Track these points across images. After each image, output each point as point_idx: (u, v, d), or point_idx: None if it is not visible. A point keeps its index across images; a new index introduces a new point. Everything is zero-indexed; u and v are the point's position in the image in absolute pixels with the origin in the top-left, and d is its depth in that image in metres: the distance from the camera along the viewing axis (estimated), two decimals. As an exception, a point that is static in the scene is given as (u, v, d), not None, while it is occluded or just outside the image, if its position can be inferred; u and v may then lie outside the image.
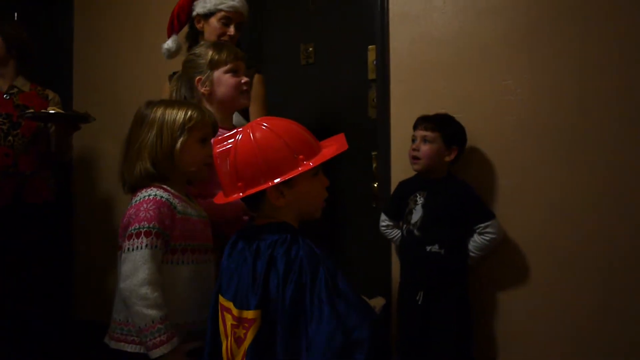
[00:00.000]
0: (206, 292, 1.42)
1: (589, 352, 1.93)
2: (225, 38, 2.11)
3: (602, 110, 1.92)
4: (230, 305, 1.20)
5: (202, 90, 1.75)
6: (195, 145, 1.47)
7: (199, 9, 2.13)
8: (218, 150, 1.23)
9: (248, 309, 1.15)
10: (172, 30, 2.21)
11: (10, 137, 2.32)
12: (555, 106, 1.99)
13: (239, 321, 1.17)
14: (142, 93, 2.70)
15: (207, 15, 2.12)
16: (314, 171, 1.21)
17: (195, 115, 1.46)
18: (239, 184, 1.20)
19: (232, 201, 1.24)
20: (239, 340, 1.16)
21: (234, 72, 1.75)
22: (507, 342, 2.06)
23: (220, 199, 1.28)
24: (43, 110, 2.32)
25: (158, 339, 1.29)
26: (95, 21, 3.15)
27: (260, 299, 1.14)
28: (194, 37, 2.20)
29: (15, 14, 3.06)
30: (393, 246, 2.27)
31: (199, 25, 2.16)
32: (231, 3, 2.10)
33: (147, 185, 1.44)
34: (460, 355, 1.91)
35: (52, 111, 2.24)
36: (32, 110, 2.32)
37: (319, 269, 1.13)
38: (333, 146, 1.24)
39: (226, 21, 2.10)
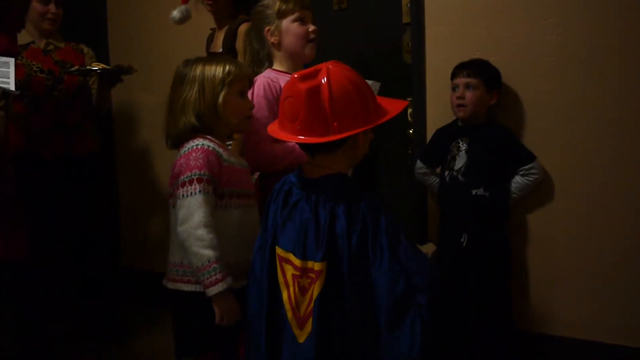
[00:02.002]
0: (251, 233, 1.50)
1: (625, 292, 1.95)
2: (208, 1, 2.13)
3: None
4: (290, 255, 1.22)
5: (272, 40, 1.79)
6: (235, 98, 1.54)
7: None
8: (304, 87, 1.15)
9: (314, 260, 1.17)
10: None
11: (55, 92, 2.39)
12: (598, 45, 1.93)
13: (303, 271, 1.19)
14: (176, 46, 2.74)
15: None
16: None
17: (233, 69, 1.53)
18: (335, 123, 1.14)
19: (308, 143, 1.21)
20: (303, 290, 1.20)
21: (301, 20, 1.78)
22: (542, 281, 2.09)
23: (285, 135, 1.23)
24: (88, 67, 2.38)
25: (214, 277, 1.38)
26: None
27: (326, 251, 1.16)
28: None
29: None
30: (429, 194, 2.29)
31: None
32: None
33: (191, 137, 1.51)
34: (499, 292, 1.99)
35: (96, 67, 2.30)
36: (77, 67, 2.39)
37: (380, 219, 1.15)
38: (389, 100, 1.27)
39: None
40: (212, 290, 1.39)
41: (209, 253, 1.38)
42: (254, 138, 1.70)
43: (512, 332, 2.05)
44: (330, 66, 1.18)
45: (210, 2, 2.17)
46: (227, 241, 1.46)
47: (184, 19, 2.33)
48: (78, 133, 2.47)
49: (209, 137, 1.52)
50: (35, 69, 2.37)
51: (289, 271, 1.22)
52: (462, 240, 1.99)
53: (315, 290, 1.17)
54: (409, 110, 2.37)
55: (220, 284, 1.38)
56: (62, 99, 2.40)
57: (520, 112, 2.07)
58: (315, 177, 1.23)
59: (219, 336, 1.48)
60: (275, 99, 1.71)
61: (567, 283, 2.04)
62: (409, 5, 2.32)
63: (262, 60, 1.87)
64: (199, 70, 1.52)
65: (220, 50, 2.18)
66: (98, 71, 2.33)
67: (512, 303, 2.06)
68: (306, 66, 1.86)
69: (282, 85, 1.73)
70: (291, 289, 1.22)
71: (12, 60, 1.82)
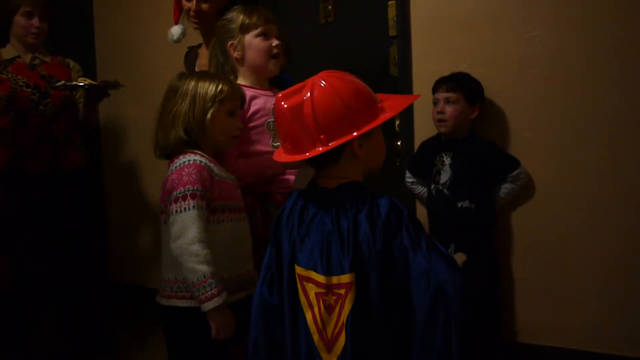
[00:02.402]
0: (243, 246, 1.54)
1: (612, 299, 1.96)
2: (192, 14, 2.10)
3: (633, 61, 1.89)
4: (311, 273, 1.16)
5: (235, 55, 1.78)
6: (224, 116, 1.55)
7: None
8: (287, 105, 1.13)
9: (341, 273, 1.11)
10: (175, 15, 2.24)
11: (41, 107, 2.37)
12: (582, 56, 1.96)
13: (328, 288, 1.13)
14: (163, 61, 2.74)
15: None
16: (382, 126, 1.18)
17: (226, 88, 1.55)
18: (321, 136, 1.11)
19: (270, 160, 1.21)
20: (329, 308, 1.13)
21: (264, 35, 1.75)
22: (528, 288, 2.10)
23: (281, 156, 1.20)
24: (74, 82, 2.37)
25: (209, 292, 1.38)
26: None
27: (353, 260, 1.10)
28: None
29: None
30: (417, 201, 2.30)
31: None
32: None
33: (181, 151, 1.52)
34: (488, 302, 1.99)
35: (82, 83, 2.29)
36: (63, 82, 2.37)
37: (402, 219, 1.10)
38: (398, 97, 1.22)
39: None
40: (208, 306, 1.39)
41: (204, 268, 1.38)
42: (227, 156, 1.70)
43: (500, 342, 2.05)
44: (317, 79, 1.14)
45: (196, 20, 2.17)
46: (221, 255, 1.47)
47: (181, 38, 2.31)
48: (64, 147, 2.45)
49: (199, 152, 1.52)
50: (21, 83, 2.35)
51: (312, 290, 1.16)
52: (449, 250, 2.00)
53: (347, 305, 1.11)
54: (397, 122, 2.39)
55: (216, 298, 1.38)
56: (48, 113, 2.39)
57: (506, 124, 2.09)
58: (331, 188, 1.18)
59: (213, 351, 1.47)
60: (242, 112, 1.70)
61: (554, 291, 2.05)
62: (395, 18, 2.34)
63: (227, 73, 1.83)
64: (192, 84, 1.54)
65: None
66: (85, 87, 2.32)
67: (501, 312, 2.07)
68: (290, 81, 1.88)
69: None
70: (316, 309, 1.15)
71: None
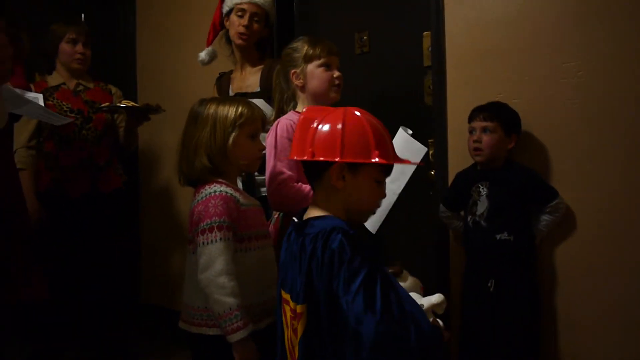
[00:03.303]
0: (270, 272, 1.55)
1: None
2: (240, 30, 2.22)
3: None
4: (288, 297, 1.25)
5: (296, 82, 1.85)
6: (246, 140, 1.57)
7: (224, 10, 2.30)
8: (303, 117, 1.27)
9: (297, 302, 1.19)
10: (209, 39, 2.40)
11: (84, 131, 2.46)
12: (620, 87, 1.92)
13: (294, 313, 1.21)
14: (201, 88, 2.80)
15: (228, 13, 2.28)
16: (379, 177, 1.26)
17: (245, 111, 1.56)
18: (310, 149, 1.22)
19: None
20: (296, 332, 1.21)
21: (327, 66, 1.84)
22: (569, 323, 2.03)
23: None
24: (117, 104, 2.46)
25: (235, 324, 1.40)
26: (157, 18, 3.27)
27: (305, 292, 1.17)
28: (227, 37, 2.35)
29: (82, 15, 3.22)
30: (451, 234, 2.27)
31: (226, 24, 2.31)
32: None
33: (207, 180, 1.54)
34: (527, 337, 1.94)
35: (124, 104, 2.38)
36: (107, 104, 2.47)
37: (355, 258, 1.12)
38: (407, 160, 1.29)
39: (241, 13, 2.23)
40: (233, 337, 1.41)
41: (230, 301, 1.41)
42: (278, 179, 1.72)
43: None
44: (343, 108, 1.26)
45: (245, 37, 2.24)
46: (248, 283, 1.48)
47: (211, 60, 2.42)
48: (105, 170, 2.53)
49: (224, 181, 1.54)
50: (65, 109, 2.45)
51: (288, 312, 1.25)
52: (489, 285, 1.96)
53: (299, 331, 1.19)
54: (430, 152, 2.38)
55: (241, 331, 1.40)
56: (91, 137, 2.47)
57: (543, 155, 2.06)
58: (309, 218, 1.26)
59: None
60: None
61: (594, 326, 1.97)
62: (429, 48, 2.36)
63: (288, 99, 1.92)
64: (212, 110, 1.56)
65: (258, 89, 2.24)
66: (127, 108, 2.41)
67: (539, 348, 2.00)
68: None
69: None
70: (289, 330, 1.24)
71: (40, 96, 1.92)
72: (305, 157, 1.23)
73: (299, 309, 1.19)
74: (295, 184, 1.72)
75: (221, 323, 1.41)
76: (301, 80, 1.84)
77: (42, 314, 2.36)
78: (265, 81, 2.23)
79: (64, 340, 2.53)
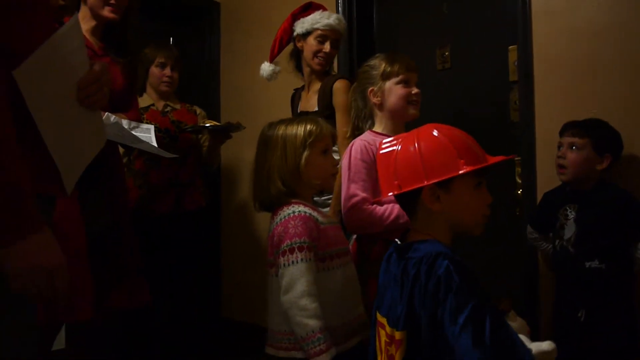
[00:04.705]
0: (353, 289, 1.52)
1: None
2: (321, 55, 2.25)
3: None
4: (384, 321, 1.20)
5: (374, 100, 1.83)
6: (318, 157, 1.54)
7: (298, 29, 2.30)
8: (381, 152, 1.26)
9: (396, 328, 1.14)
10: (272, 53, 2.40)
11: (171, 150, 2.56)
12: None
13: (391, 339, 1.16)
14: (280, 107, 2.85)
15: (305, 35, 2.28)
16: (476, 182, 1.19)
17: (314, 129, 1.54)
18: (395, 182, 1.20)
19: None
20: (391, 358, 1.15)
21: (405, 82, 1.80)
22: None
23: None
24: (201, 124, 2.54)
25: (318, 347, 1.37)
26: (239, 42, 3.38)
27: (406, 319, 1.12)
28: (297, 56, 2.37)
29: (171, 39, 3.39)
30: (539, 256, 2.14)
31: (299, 44, 2.32)
32: (326, 21, 2.24)
33: (284, 202, 1.52)
34: None
35: (208, 124, 2.46)
36: (191, 125, 2.57)
37: (464, 288, 1.05)
38: (498, 157, 1.21)
39: (322, 39, 2.25)
40: None
41: (313, 323, 1.38)
42: (352, 201, 1.69)
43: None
44: (415, 131, 1.23)
45: (324, 62, 2.27)
46: (334, 302, 1.46)
47: (273, 76, 2.44)
48: (189, 189, 2.61)
49: (301, 202, 1.52)
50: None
51: (383, 337, 1.20)
52: (579, 315, 1.80)
53: (396, 359, 1.13)
54: (517, 170, 2.26)
55: (324, 355, 1.36)
56: (177, 156, 2.57)
57: (644, 174, 1.89)
58: (409, 242, 1.21)
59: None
60: (372, 161, 1.69)
61: None
62: (515, 62, 2.26)
63: (365, 117, 1.89)
64: (281, 132, 1.54)
65: (316, 109, 2.24)
66: (210, 128, 2.48)
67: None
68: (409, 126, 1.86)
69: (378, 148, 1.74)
70: (383, 355, 1.19)
71: (152, 127, 2.04)
72: (394, 192, 1.21)
73: (397, 335, 1.13)
74: (370, 206, 1.68)
75: (304, 346, 1.38)
76: (379, 98, 1.81)
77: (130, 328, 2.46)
78: (322, 100, 2.23)
79: (149, 353, 2.61)
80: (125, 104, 2.05)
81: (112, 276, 1.87)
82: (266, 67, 2.43)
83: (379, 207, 1.68)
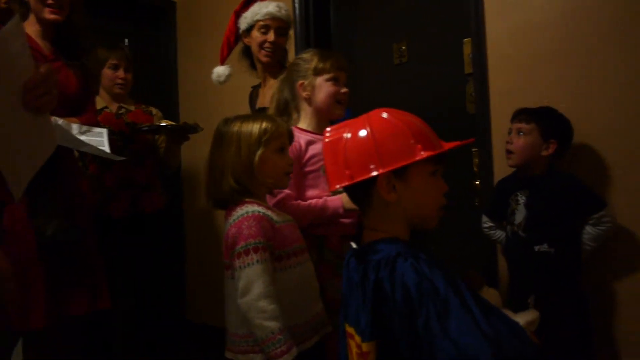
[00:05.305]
0: (311, 287, 1.50)
1: None
2: (266, 46, 2.18)
3: None
4: (352, 331, 1.11)
5: (303, 94, 1.81)
6: (273, 156, 1.50)
7: (242, 26, 2.24)
8: (326, 140, 1.16)
9: (362, 339, 1.05)
10: (222, 56, 2.34)
11: (126, 152, 2.51)
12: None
13: (360, 350, 1.07)
14: (239, 106, 2.82)
15: (249, 30, 2.22)
16: (432, 169, 1.10)
17: (270, 126, 1.50)
18: (347, 172, 1.10)
19: (333, 200, 1.19)
20: None
21: (335, 80, 1.79)
22: (629, 342, 1.89)
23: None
24: (157, 124, 2.50)
25: (279, 349, 1.34)
26: (196, 42, 3.34)
27: (372, 328, 1.03)
28: (248, 53, 2.30)
29: (126, 40, 3.32)
30: (499, 247, 2.17)
31: (246, 41, 2.26)
32: (266, 10, 2.17)
33: (236, 201, 1.49)
34: (578, 357, 1.78)
35: (164, 124, 2.41)
36: (147, 124, 2.51)
37: (425, 293, 0.97)
38: (454, 142, 1.13)
39: (265, 29, 2.18)
40: None
41: (273, 324, 1.35)
42: (277, 198, 1.68)
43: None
44: (365, 116, 1.13)
45: (270, 52, 2.19)
46: (292, 302, 1.44)
47: (227, 78, 2.39)
48: (146, 191, 2.56)
49: (255, 201, 1.49)
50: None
51: (354, 348, 1.10)
52: (529, 301, 1.83)
53: None
54: (475, 161, 2.30)
55: (286, 355, 1.34)
56: (132, 158, 2.51)
57: (594, 161, 1.94)
58: (366, 243, 1.14)
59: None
60: (295, 158, 1.69)
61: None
62: (470, 55, 2.29)
63: (288, 111, 1.87)
64: (236, 128, 1.50)
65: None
66: (167, 127, 2.44)
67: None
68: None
69: (301, 144, 1.74)
70: None
71: (105, 131, 1.98)
72: (346, 182, 1.10)
73: (365, 347, 1.04)
74: (294, 202, 1.69)
75: (265, 348, 1.36)
76: (308, 92, 1.80)
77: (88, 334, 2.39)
78: None
79: (112, 358, 2.55)
80: (80, 108, 1.98)
81: (70, 282, 1.81)
82: (219, 71, 2.37)
83: (302, 202, 1.69)
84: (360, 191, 1.14)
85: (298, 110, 1.85)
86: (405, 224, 1.13)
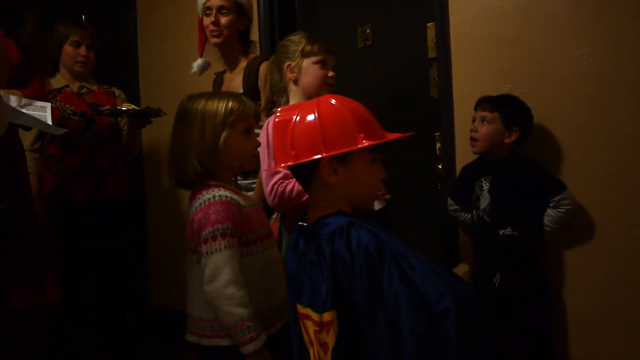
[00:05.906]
0: (277, 272, 1.49)
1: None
2: (212, 28, 2.15)
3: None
4: (308, 311, 1.14)
5: (290, 75, 1.83)
6: (238, 137, 1.46)
7: (199, 14, 2.22)
8: (277, 120, 1.19)
9: (323, 310, 1.09)
10: (199, 48, 2.33)
11: (87, 134, 2.44)
12: (634, 75, 1.87)
13: (321, 326, 1.10)
14: (204, 86, 2.78)
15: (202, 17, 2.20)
16: (372, 157, 1.17)
17: (236, 106, 1.44)
18: (293, 152, 1.14)
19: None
20: (325, 347, 1.10)
21: (322, 63, 1.81)
22: (583, 319, 1.98)
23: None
24: (119, 107, 2.43)
25: (248, 335, 1.34)
26: (157, 18, 3.25)
27: (333, 297, 1.07)
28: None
29: (83, 17, 3.20)
30: (460, 229, 2.23)
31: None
32: None
33: (202, 184, 1.45)
34: (538, 334, 1.88)
35: (126, 108, 2.36)
36: (108, 107, 2.45)
37: (385, 252, 1.05)
38: (395, 134, 1.18)
39: (209, 12, 2.16)
40: (248, 349, 1.34)
41: (241, 311, 1.34)
42: (275, 178, 1.69)
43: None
44: (314, 100, 1.19)
45: (216, 34, 2.16)
46: (259, 286, 1.43)
47: (203, 70, 2.38)
48: (108, 174, 2.50)
49: (221, 184, 1.45)
50: (68, 111, 2.43)
51: (311, 328, 1.14)
52: (494, 280, 1.91)
53: (330, 342, 1.08)
54: (438, 145, 2.34)
55: (254, 342, 1.34)
56: (94, 140, 2.45)
57: (554, 146, 2.01)
58: (312, 221, 1.18)
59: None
60: None
61: (611, 324, 1.92)
62: (434, 40, 2.31)
63: (280, 92, 1.89)
64: (200, 107, 1.44)
65: (241, 91, 2.18)
66: (128, 111, 2.38)
67: (554, 346, 1.95)
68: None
69: None
70: (315, 347, 1.13)
71: (49, 105, 1.86)
72: (290, 162, 1.15)
73: (326, 316, 1.08)
74: (292, 180, 1.68)
75: (233, 335, 1.35)
76: (295, 74, 1.82)
77: (49, 318, 2.34)
78: (247, 81, 2.16)
79: (73, 343, 2.51)
80: (23, 80, 1.84)
81: (13, 274, 1.67)
82: (199, 63, 2.34)
83: (297, 184, 1.68)
84: (304, 172, 1.19)
85: (286, 91, 1.86)
86: (346, 203, 1.19)
